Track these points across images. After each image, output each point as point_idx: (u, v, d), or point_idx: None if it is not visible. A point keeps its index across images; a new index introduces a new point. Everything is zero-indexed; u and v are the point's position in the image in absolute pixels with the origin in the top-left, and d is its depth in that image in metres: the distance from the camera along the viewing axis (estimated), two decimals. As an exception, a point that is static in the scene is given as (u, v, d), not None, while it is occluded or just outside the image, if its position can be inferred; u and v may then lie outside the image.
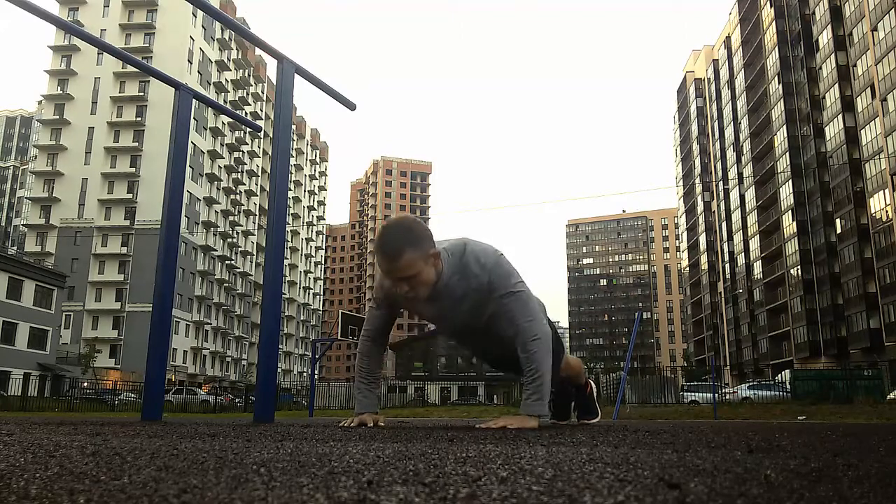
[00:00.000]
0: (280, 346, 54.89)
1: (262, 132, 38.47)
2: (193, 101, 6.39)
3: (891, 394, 23.40)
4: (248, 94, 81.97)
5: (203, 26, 70.00)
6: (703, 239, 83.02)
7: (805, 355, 52.62)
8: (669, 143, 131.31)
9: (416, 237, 2.53)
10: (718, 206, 77.83)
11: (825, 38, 50.58)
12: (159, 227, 5.94)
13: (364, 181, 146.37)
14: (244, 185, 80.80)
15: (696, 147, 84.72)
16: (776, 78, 59.30)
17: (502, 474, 0.88)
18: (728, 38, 73.70)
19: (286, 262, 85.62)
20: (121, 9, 67.30)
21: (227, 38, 75.37)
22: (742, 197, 68.64)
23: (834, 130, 49.46)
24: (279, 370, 76.21)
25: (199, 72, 68.29)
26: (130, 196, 63.35)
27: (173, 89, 6.17)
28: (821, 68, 51.55)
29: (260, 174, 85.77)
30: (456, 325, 2.97)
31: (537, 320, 2.69)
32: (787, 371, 28.65)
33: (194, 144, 65.29)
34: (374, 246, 2.60)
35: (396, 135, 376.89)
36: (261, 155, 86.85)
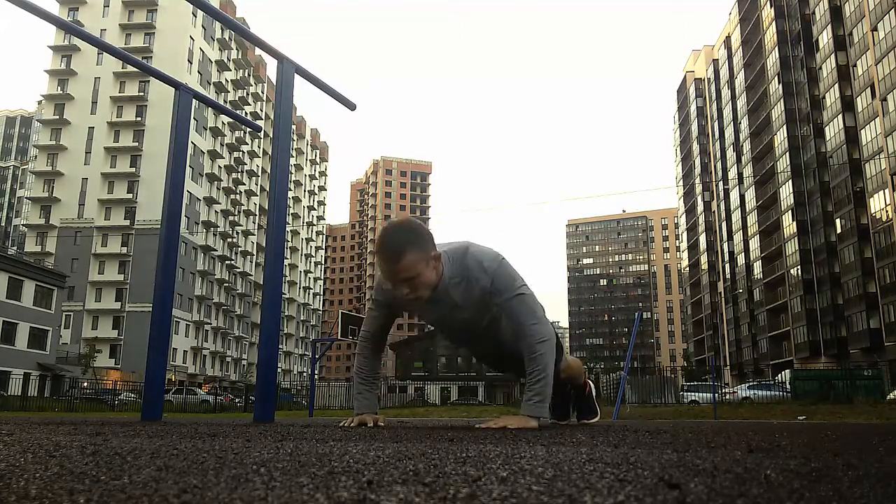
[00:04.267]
0: (280, 346, 54.93)
1: (262, 132, 38.47)
2: (193, 101, 6.39)
3: (891, 394, 23.41)
4: (248, 94, 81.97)
5: (203, 26, 70.00)
6: (703, 239, 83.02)
7: (805, 355, 52.62)
8: (669, 143, 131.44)
9: (417, 239, 2.53)
10: (718, 206, 77.83)
11: (825, 38, 50.57)
12: (159, 227, 5.94)
13: (364, 181, 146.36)
14: (244, 185, 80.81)
15: (696, 147, 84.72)
16: (776, 78, 59.30)
17: (502, 474, 0.88)
18: (728, 38, 73.70)
19: (286, 262, 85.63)
20: (121, 9, 67.30)
21: (227, 38, 75.36)
22: (742, 197, 68.64)
23: (834, 130, 49.46)
24: (279, 370, 76.20)
25: (199, 72, 68.30)
26: (130, 196, 63.35)
27: (173, 89, 6.17)
28: (821, 68, 51.55)
29: (260, 174, 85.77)
30: (456, 328, 2.96)
31: (542, 322, 2.69)
32: (787, 371, 28.67)
33: (194, 144, 65.30)
34: (375, 247, 2.59)
35: (396, 135, 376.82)
36: (261, 155, 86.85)
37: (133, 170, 63.85)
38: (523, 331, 2.67)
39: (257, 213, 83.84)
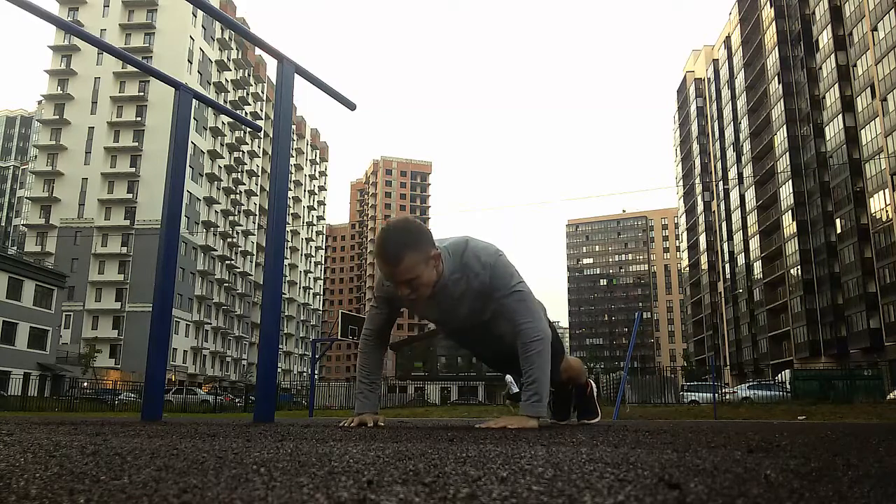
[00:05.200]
0: (280, 346, 54.89)
1: (262, 132, 38.48)
2: (193, 101, 6.38)
3: (891, 394, 23.40)
4: (248, 94, 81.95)
5: (203, 26, 69.99)
6: (703, 239, 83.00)
7: (805, 355, 52.60)
8: (669, 143, 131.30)
9: (417, 239, 2.53)
10: (718, 206, 77.81)
11: (825, 38, 50.56)
12: (159, 226, 5.93)
13: (364, 181, 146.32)
14: (244, 185, 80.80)
15: (696, 147, 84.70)
16: (776, 78, 59.28)
17: (502, 474, 0.88)
18: (728, 38, 73.68)
19: (286, 262, 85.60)
20: (121, 9, 67.28)
21: (227, 38, 75.35)
22: (742, 197, 68.62)
23: (834, 130, 49.44)
24: (279, 370, 76.18)
25: (199, 72, 68.29)
26: (130, 196, 63.34)
27: (173, 89, 6.17)
28: (821, 68, 51.54)
29: (260, 174, 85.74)
30: (456, 325, 2.97)
31: (538, 320, 2.69)
32: (787, 371, 28.64)
33: (194, 144, 65.28)
34: (374, 249, 2.59)
35: (396, 135, 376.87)
36: (261, 155, 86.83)
37: (133, 170, 63.83)
38: (518, 329, 2.67)
39: (257, 213, 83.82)
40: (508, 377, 12.01)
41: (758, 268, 63.97)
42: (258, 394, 5.32)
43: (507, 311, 2.70)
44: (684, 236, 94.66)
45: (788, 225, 57.21)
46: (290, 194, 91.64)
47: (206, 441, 1.73)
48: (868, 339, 44.01)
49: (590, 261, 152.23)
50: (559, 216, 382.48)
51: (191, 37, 67.22)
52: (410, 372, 56.61)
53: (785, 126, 57.35)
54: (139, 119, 64.80)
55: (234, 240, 77.39)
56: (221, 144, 74.35)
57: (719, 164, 76.74)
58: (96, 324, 60.99)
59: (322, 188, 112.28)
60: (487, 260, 2.67)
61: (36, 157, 68.29)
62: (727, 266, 74.56)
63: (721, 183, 75.70)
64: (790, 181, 56.18)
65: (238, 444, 1.58)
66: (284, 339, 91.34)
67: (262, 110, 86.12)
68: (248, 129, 77.49)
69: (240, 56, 79.86)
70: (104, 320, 61.10)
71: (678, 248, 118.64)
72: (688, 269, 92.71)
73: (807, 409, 12.00)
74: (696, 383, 29.98)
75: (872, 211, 44.30)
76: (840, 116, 48.26)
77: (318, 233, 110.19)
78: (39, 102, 77.39)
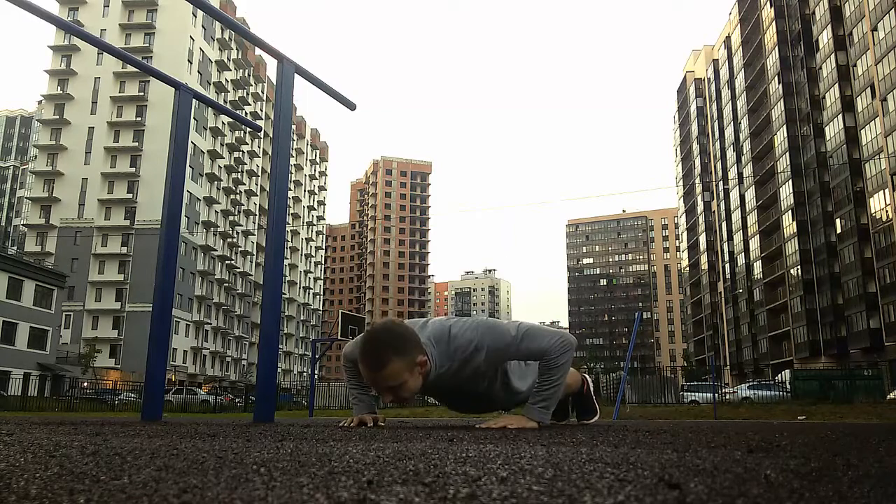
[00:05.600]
0: (280, 346, 54.89)
1: (262, 132, 38.48)
2: (193, 101, 6.38)
3: (891, 394, 23.37)
4: (248, 94, 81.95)
5: (203, 26, 69.99)
6: (703, 239, 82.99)
7: (805, 355, 52.60)
8: (669, 143, 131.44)
9: (402, 345, 2.46)
10: (718, 206, 77.81)
11: (825, 38, 50.55)
12: (159, 226, 5.93)
13: (364, 181, 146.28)
14: (244, 185, 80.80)
15: (696, 147, 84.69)
16: (776, 78, 59.27)
17: (502, 474, 0.88)
18: (728, 38, 73.67)
19: (286, 262, 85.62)
20: (121, 9, 67.29)
21: (227, 38, 75.36)
22: (742, 197, 68.61)
23: (834, 130, 49.44)
24: (279, 370, 76.19)
25: (199, 72, 68.29)
26: (130, 196, 63.34)
27: (173, 89, 6.17)
28: (821, 68, 51.53)
29: (260, 174, 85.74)
30: (447, 395, 2.99)
31: (553, 335, 2.66)
32: (787, 371, 28.62)
33: (194, 144, 65.28)
34: (358, 352, 2.52)
35: (396, 135, 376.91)
36: (261, 155, 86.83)
37: (133, 170, 63.83)
38: (545, 350, 2.62)
39: (257, 213, 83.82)
40: None
41: (758, 268, 63.97)
42: (258, 394, 5.32)
43: (530, 352, 2.66)
44: (684, 236, 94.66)
45: (788, 225, 57.21)
46: (290, 194, 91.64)
47: (206, 441, 1.73)
48: (868, 339, 44.01)
49: (590, 261, 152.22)
50: (559, 216, 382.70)
51: (191, 37, 67.22)
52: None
53: (785, 126, 57.34)
54: (139, 119, 64.80)
55: (234, 240, 77.39)
56: (221, 144, 74.35)
57: (719, 164, 76.73)
58: (96, 324, 61.00)
59: (322, 188, 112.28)
60: (479, 342, 2.59)
61: (36, 157, 68.29)
62: (727, 266, 74.55)
63: (721, 183, 75.70)
64: (790, 181, 56.18)
65: (238, 444, 1.57)
66: (284, 339, 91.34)
67: (262, 110, 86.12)
68: (248, 129, 77.49)
69: (240, 56, 79.86)
70: (104, 320, 61.10)
71: (678, 248, 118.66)
72: (688, 269, 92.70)
73: (807, 409, 12.00)
74: (696, 383, 29.96)
75: (872, 211, 44.30)
76: (840, 116, 48.26)
77: (318, 233, 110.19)
78: (39, 102, 77.41)
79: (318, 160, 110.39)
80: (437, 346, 2.59)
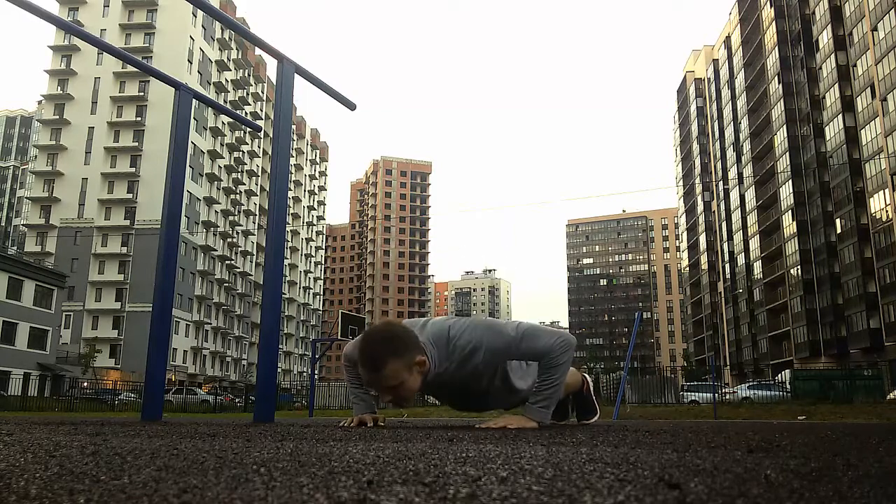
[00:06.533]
0: (280, 346, 54.88)
1: (262, 132, 38.48)
2: (193, 101, 6.38)
3: (891, 394, 23.37)
4: (248, 94, 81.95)
5: (203, 26, 69.99)
6: (703, 239, 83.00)
7: (805, 355, 52.60)
8: (669, 143, 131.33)
9: (400, 346, 2.48)
10: (718, 206, 77.81)
11: (825, 38, 50.55)
12: (159, 226, 5.93)
13: (364, 181, 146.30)
14: (244, 185, 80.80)
15: (696, 147, 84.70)
16: (776, 78, 59.28)
17: (502, 474, 0.88)
18: (728, 38, 73.68)
19: (286, 262, 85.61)
20: (121, 9, 67.30)
21: (227, 38, 75.36)
22: (742, 197, 68.62)
23: (834, 130, 49.44)
24: (279, 370, 76.19)
25: (199, 72, 68.29)
26: (130, 196, 63.35)
27: (173, 89, 6.16)
28: (821, 68, 51.53)
29: (260, 174, 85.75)
30: (447, 394, 3.00)
31: (553, 334, 2.67)
32: (787, 371, 28.63)
33: (194, 144, 65.28)
34: (357, 354, 2.54)
35: (396, 135, 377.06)
36: (261, 155, 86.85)
37: (133, 170, 63.84)
38: (546, 350, 2.63)
39: (257, 213, 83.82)
40: None
41: (758, 268, 63.97)
42: (258, 394, 5.32)
43: (530, 353, 2.67)
44: (684, 236, 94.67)
45: (788, 225, 57.21)
46: (290, 194, 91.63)
47: (206, 441, 1.73)
48: (868, 339, 44.02)
49: (590, 261, 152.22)
50: (559, 216, 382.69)
51: (191, 37, 67.23)
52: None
53: (785, 126, 57.35)
54: (139, 119, 64.81)
55: (234, 240, 77.39)
56: (221, 144, 74.35)
57: (719, 164, 76.74)
58: (96, 324, 61.00)
59: (322, 188, 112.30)
60: (477, 342, 2.60)
61: (36, 157, 68.30)
62: (727, 266, 74.55)
63: (721, 183, 75.70)
64: (790, 181, 56.18)
65: (238, 444, 1.57)
66: (284, 339, 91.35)
67: (262, 110, 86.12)
68: (248, 129, 77.50)
69: (240, 56, 79.86)
70: (104, 320, 61.10)
71: (678, 248, 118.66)
72: (688, 269, 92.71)
73: (807, 409, 11.99)
74: (696, 383, 29.95)
75: (872, 211, 44.30)
76: (840, 116, 48.26)
77: (318, 233, 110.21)
78: (39, 102, 77.40)
79: (318, 160, 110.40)
80: (436, 347, 2.60)
